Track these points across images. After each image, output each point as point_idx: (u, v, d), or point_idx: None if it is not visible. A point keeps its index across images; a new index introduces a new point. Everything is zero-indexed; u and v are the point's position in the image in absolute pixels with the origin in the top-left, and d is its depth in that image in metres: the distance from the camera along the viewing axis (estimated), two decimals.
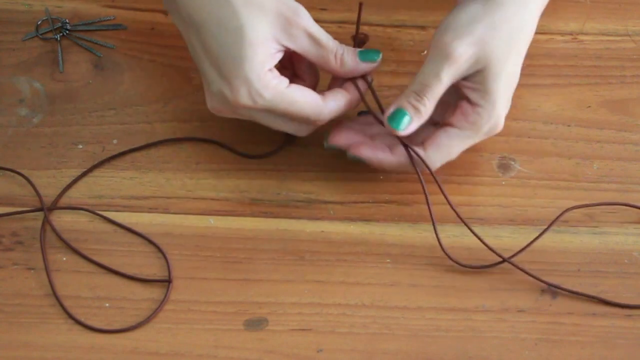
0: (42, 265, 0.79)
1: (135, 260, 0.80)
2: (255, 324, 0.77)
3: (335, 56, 0.78)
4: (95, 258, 0.79)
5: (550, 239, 0.80)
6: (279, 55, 0.78)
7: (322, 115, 0.79)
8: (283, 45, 0.77)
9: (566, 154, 0.85)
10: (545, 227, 0.80)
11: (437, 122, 0.80)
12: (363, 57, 0.79)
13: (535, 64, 0.89)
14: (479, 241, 0.79)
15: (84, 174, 0.84)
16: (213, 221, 0.81)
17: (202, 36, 0.77)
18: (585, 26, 0.91)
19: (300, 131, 0.81)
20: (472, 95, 0.78)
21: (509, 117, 0.86)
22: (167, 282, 0.78)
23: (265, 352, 0.76)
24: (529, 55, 0.89)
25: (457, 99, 0.79)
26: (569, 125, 0.86)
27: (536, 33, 0.91)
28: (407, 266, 0.79)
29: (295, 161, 0.84)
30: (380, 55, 0.80)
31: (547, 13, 0.92)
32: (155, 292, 0.78)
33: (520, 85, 0.88)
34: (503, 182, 0.83)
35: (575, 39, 0.91)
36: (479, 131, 0.79)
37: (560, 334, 0.76)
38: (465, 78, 0.78)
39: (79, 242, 0.80)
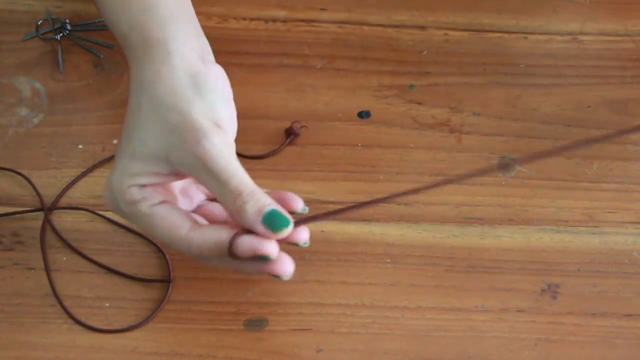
0: (42, 265, 0.79)
1: (135, 260, 0.80)
2: (255, 324, 0.77)
3: (235, 201, 0.66)
4: (95, 258, 0.79)
5: (550, 239, 0.80)
6: (169, 177, 0.69)
7: (187, 249, 0.68)
8: (176, 169, 0.68)
9: (566, 154, 0.85)
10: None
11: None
12: (268, 220, 0.66)
13: (535, 64, 0.89)
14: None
15: (84, 174, 0.84)
16: None
17: None
18: (585, 26, 0.91)
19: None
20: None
21: (509, 117, 0.86)
22: (167, 282, 0.78)
23: (265, 352, 0.76)
24: (529, 55, 0.89)
25: None
26: (568, 125, 0.86)
27: (536, 33, 0.91)
28: (407, 266, 0.79)
29: (295, 161, 0.84)
30: (289, 228, 0.66)
31: (547, 13, 0.92)
32: (155, 292, 0.78)
33: (519, 85, 0.88)
34: (503, 182, 0.83)
35: (575, 39, 0.91)
36: None
37: (560, 334, 0.76)
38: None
39: (79, 242, 0.80)
